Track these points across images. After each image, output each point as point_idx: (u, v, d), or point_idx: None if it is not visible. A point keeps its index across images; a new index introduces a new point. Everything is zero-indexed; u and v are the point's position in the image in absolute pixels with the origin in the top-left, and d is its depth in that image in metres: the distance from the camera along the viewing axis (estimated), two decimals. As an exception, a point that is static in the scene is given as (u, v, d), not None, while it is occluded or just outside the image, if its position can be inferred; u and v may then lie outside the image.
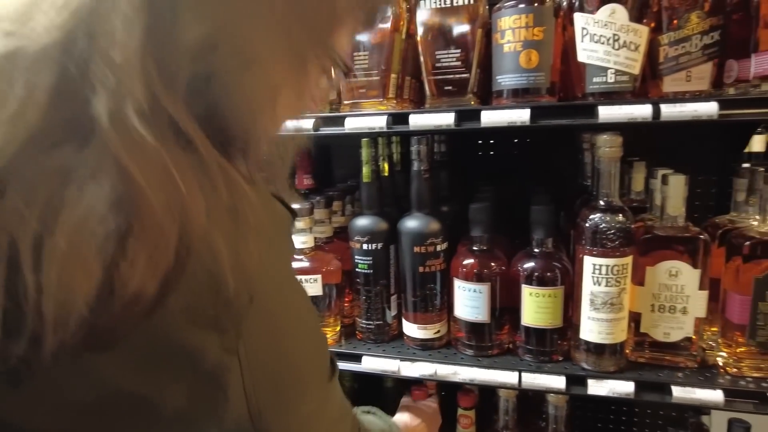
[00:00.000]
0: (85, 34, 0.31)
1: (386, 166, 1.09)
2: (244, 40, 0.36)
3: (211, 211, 0.32)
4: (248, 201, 0.34)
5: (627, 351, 0.88)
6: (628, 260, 0.83)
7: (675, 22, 0.84)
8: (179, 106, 0.32)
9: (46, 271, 0.27)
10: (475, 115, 0.83)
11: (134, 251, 0.29)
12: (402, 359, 0.94)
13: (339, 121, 0.90)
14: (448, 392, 1.18)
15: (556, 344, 0.91)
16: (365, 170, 0.98)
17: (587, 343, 0.87)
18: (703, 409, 1.00)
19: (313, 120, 0.91)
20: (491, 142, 1.35)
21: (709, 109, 0.74)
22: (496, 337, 0.95)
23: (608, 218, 0.83)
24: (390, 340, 1.02)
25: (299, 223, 0.98)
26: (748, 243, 0.81)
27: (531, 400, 1.14)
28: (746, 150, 1.13)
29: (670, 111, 0.75)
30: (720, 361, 0.86)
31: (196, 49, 0.34)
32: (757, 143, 1.15)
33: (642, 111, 0.76)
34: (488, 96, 0.94)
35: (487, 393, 1.13)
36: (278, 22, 0.38)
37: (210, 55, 0.35)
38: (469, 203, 0.95)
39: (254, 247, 0.34)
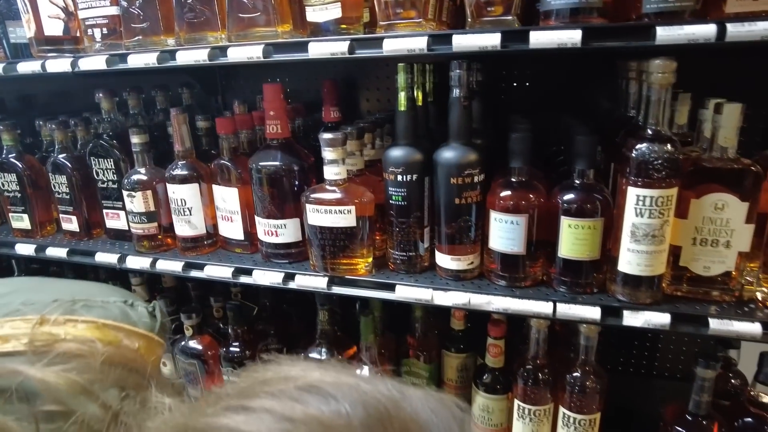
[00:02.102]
0: None
1: (420, 95, 1.05)
2: None
3: None
4: None
5: (663, 284, 0.88)
6: (674, 192, 0.81)
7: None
8: None
9: None
10: (523, 36, 0.79)
11: None
12: (435, 288, 0.95)
13: (376, 42, 0.86)
14: (475, 323, 1.20)
15: (592, 276, 0.90)
16: (401, 97, 0.94)
17: (625, 275, 0.86)
18: (734, 342, 1.00)
19: (347, 42, 0.87)
20: (527, 72, 1.30)
21: (780, 29, 0.69)
22: (529, 270, 0.94)
23: (656, 147, 0.80)
24: (422, 271, 1.02)
25: (331, 154, 0.96)
26: (802, 175, 0.78)
27: (558, 332, 1.16)
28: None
29: (737, 31, 0.69)
30: (759, 296, 0.85)
31: None
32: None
33: (704, 31, 0.71)
34: (528, 20, 0.89)
35: (515, 324, 1.15)
36: None
37: None
38: (502, 136, 0.92)
39: None
